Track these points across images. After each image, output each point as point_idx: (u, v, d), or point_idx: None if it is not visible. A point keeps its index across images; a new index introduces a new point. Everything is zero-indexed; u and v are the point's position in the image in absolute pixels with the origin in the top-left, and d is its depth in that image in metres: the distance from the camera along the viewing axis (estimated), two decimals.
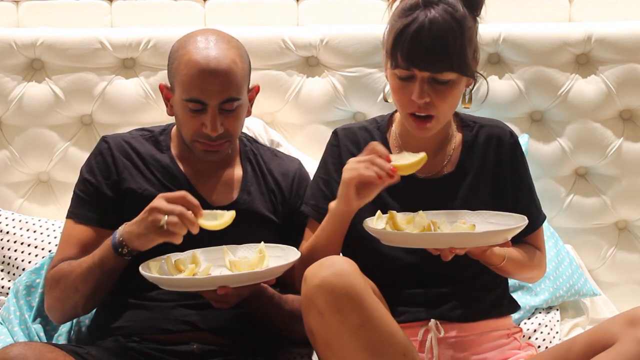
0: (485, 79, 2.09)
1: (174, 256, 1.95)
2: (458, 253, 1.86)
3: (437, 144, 2.08)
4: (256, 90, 2.15)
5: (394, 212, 1.92)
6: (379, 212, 1.94)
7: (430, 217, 1.94)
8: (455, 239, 1.83)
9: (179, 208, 1.85)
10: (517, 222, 1.90)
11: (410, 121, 1.98)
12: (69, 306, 2.03)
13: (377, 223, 1.93)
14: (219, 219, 1.89)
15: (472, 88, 2.05)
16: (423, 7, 1.91)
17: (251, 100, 2.13)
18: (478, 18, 1.99)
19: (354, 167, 1.87)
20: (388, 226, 1.90)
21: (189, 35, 2.08)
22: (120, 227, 1.94)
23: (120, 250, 1.92)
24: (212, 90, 2.00)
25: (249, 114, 2.13)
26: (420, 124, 1.97)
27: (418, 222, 1.91)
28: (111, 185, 2.08)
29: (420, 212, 1.95)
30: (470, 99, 2.05)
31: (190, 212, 1.86)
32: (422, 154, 1.88)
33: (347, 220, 1.94)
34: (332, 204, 1.94)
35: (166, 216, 1.85)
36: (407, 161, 1.88)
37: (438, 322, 1.96)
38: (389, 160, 1.86)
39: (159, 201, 1.87)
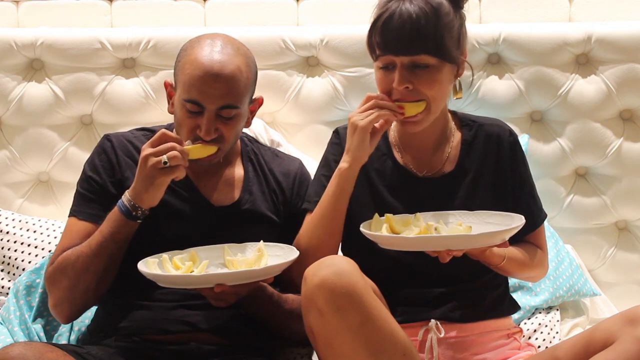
0: (472, 68, 2.08)
1: (173, 254, 1.95)
2: (455, 255, 1.86)
3: (435, 143, 2.08)
4: (259, 102, 2.13)
5: (391, 215, 1.93)
6: (376, 215, 1.94)
7: (427, 219, 1.94)
8: (452, 241, 1.83)
9: (168, 144, 1.91)
10: (514, 222, 1.90)
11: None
12: (79, 293, 2.00)
13: (374, 227, 1.93)
14: None
15: (472, 82, 2.05)
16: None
17: (253, 112, 2.12)
18: (464, 12, 2.00)
19: (364, 114, 1.93)
20: (385, 230, 1.91)
21: (200, 36, 2.07)
22: (122, 196, 1.96)
23: (134, 213, 1.94)
24: (211, 95, 1.98)
25: (248, 124, 2.11)
26: (408, 118, 1.97)
27: (415, 224, 1.91)
28: (115, 184, 2.07)
29: (418, 214, 1.95)
30: (460, 88, 2.05)
31: (178, 144, 1.92)
32: None
33: (354, 179, 1.96)
34: (343, 164, 1.95)
35: (164, 155, 1.89)
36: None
37: (438, 323, 1.96)
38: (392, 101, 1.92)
39: (147, 150, 1.92)
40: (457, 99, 2.06)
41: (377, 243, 1.90)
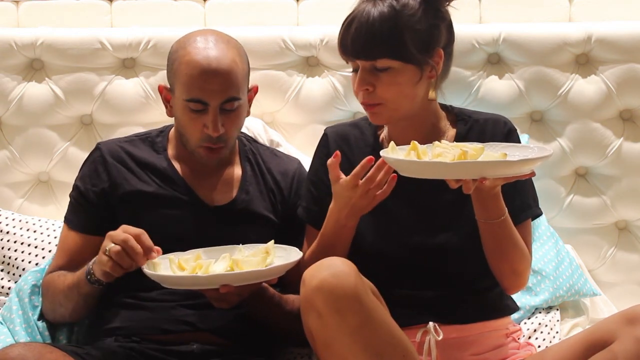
0: (447, 69, 2.04)
1: (178, 255, 1.95)
2: (485, 184, 1.80)
3: (426, 140, 2.04)
4: (255, 90, 2.15)
5: (416, 142, 1.87)
6: (392, 143, 1.90)
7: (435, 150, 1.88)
8: (490, 167, 1.77)
9: (123, 236, 1.84)
10: (540, 152, 1.85)
11: (365, 110, 1.99)
12: (57, 315, 2.09)
13: (396, 154, 1.86)
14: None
15: (439, 79, 2.01)
16: (366, 0, 1.95)
17: (250, 101, 2.14)
18: (446, 11, 1.98)
19: (366, 197, 1.88)
20: (412, 156, 1.84)
21: (187, 36, 2.08)
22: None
23: (88, 277, 1.94)
24: (213, 90, 2.00)
25: (247, 114, 2.13)
26: (369, 109, 1.98)
27: (441, 153, 1.83)
28: (98, 193, 2.09)
29: (436, 142, 1.90)
30: (434, 89, 2.01)
31: (135, 242, 1.84)
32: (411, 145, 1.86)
33: (348, 234, 1.94)
34: (338, 214, 1.93)
35: (112, 244, 1.85)
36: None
37: (436, 325, 1.95)
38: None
39: (117, 230, 1.87)
40: (430, 100, 2.02)
41: (399, 172, 1.84)
